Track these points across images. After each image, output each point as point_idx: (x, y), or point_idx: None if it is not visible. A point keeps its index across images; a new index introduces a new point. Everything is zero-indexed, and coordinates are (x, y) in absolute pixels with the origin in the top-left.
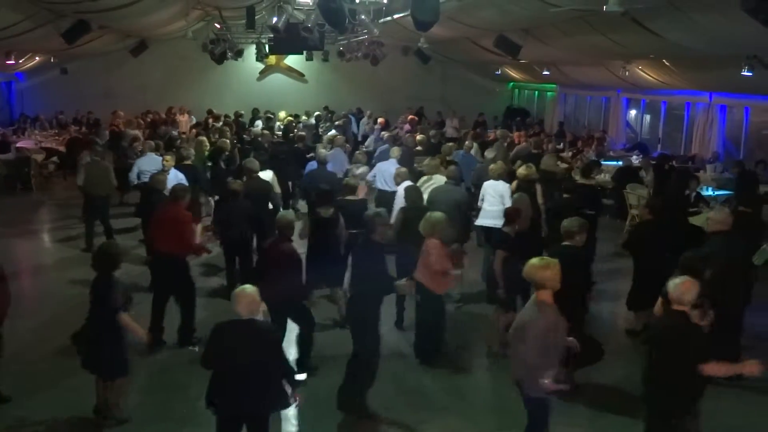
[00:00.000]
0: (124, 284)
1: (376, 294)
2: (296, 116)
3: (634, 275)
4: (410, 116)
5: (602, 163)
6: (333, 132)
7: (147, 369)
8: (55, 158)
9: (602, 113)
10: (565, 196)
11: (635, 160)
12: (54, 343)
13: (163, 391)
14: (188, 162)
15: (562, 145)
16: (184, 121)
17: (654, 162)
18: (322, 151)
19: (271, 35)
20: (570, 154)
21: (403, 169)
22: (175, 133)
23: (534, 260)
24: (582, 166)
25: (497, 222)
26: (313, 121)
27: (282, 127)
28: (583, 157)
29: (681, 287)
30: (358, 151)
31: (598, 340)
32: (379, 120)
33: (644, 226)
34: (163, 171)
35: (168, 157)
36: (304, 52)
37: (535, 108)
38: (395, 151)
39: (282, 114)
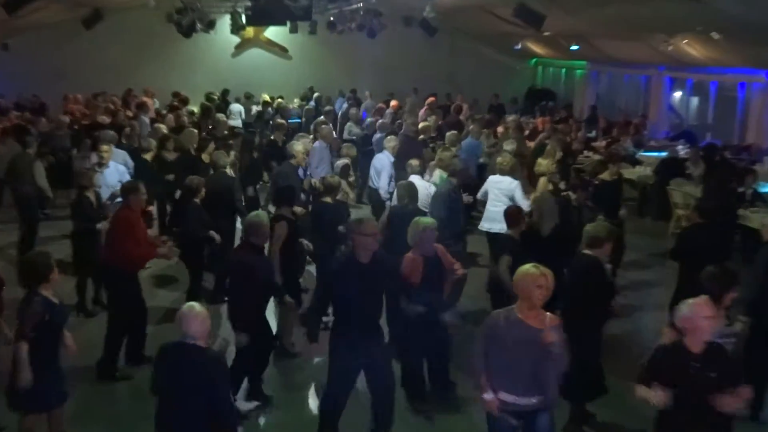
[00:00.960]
0: (45, 303)
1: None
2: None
3: (678, 287)
4: (431, 98)
5: (642, 154)
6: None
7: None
8: None
9: (641, 95)
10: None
11: (681, 150)
12: None
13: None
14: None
15: (594, 132)
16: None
17: (702, 153)
18: (296, 144)
19: (249, 3)
20: (603, 143)
21: (416, 162)
22: (146, 119)
23: (528, 267)
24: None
25: (502, 225)
26: (312, 104)
27: (271, 111)
28: (620, 147)
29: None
30: (345, 144)
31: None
32: (392, 103)
33: (694, 231)
34: (101, 164)
35: (105, 147)
36: (288, 24)
37: (562, 89)
38: (390, 141)
39: (265, 96)
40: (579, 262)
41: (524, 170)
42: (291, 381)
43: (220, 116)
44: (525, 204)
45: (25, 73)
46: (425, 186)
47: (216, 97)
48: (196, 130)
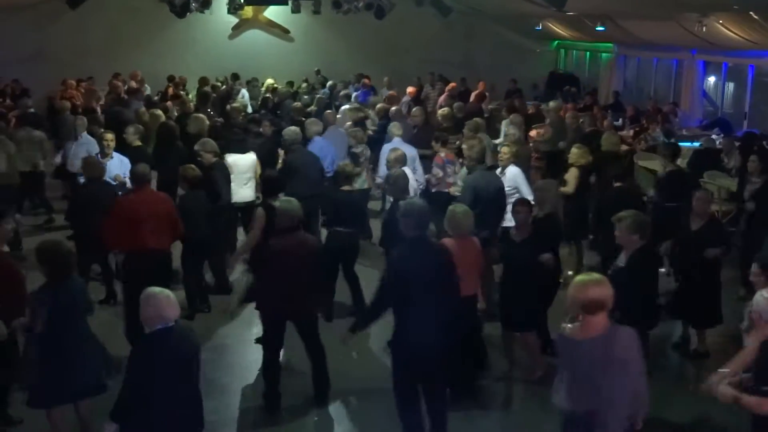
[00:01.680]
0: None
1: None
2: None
3: (707, 286)
4: (452, 84)
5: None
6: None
7: None
8: None
9: (672, 81)
10: (617, 185)
11: (715, 140)
12: None
13: None
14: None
15: (620, 120)
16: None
17: (739, 143)
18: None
19: None
20: (631, 132)
21: (400, 151)
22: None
23: (582, 277)
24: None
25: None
26: (326, 92)
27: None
28: (648, 136)
29: None
30: (356, 128)
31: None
32: (409, 90)
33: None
34: (105, 154)
35: (109, 136)
36: (290, 2)
37: (587, 74)
38: (395, 128)
39: (269, 81)
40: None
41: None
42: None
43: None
44: (529, 193)
45: (5, 56)
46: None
47: (221, 83)
48: (204, 116)
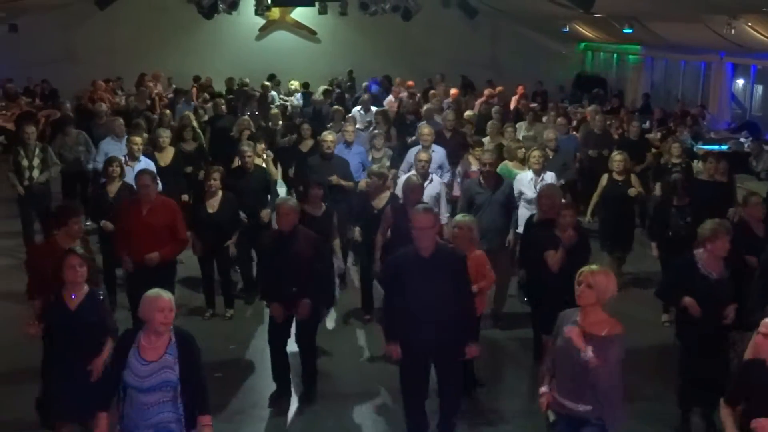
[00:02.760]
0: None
1: None
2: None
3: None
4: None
5: (700, 147)
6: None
7: None
8: (1, 138)
9: (700, 83)
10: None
11: (744, 143)
12: None
13: None
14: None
15: (648, 123)
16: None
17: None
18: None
19: None
20: (658, 135)
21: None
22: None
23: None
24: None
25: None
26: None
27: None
28: (676, 138)
29: None
30: (375, 131)
31: None
32: (452, 92)
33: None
34: (133, 158)
35: (137, 139)
36: (317, 3)
37: (614, 76)
38: (425, 130)
39: (294, 83)
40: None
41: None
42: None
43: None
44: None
45: (35, 56)
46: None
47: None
48: (248, 119)
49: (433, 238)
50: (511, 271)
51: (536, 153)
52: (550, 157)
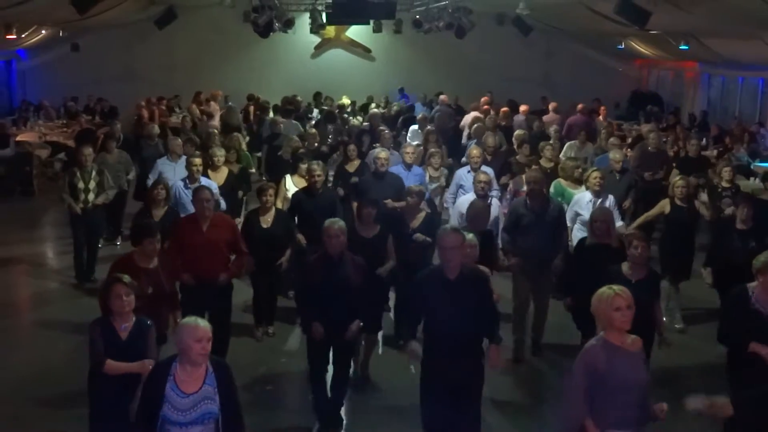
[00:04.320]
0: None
1: None
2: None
3: None
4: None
5: (757, 164)
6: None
7: None
8: (62, 155)
9: (758, 100)
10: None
11: None
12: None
13: None
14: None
15: (704, 140)
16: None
17: None
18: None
19: (329, 1)
20: (715, 152)
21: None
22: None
23: (603, 289)
24: None
25: None
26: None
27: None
28: (732, 156)
29: None
30: (433, 150)
31: None
32: (522, 108)
33: None
34: (193, 179)
35: (197, 161)
36: (371, 22)
37: (670, 93)
38: (474, 152)
39: (345, 100)
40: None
41: None
42: None
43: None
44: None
45: (96, 75)
46: None
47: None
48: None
49: (459, 257)
50: (549, 297)
51: (596, 174)
52: (617, 178)
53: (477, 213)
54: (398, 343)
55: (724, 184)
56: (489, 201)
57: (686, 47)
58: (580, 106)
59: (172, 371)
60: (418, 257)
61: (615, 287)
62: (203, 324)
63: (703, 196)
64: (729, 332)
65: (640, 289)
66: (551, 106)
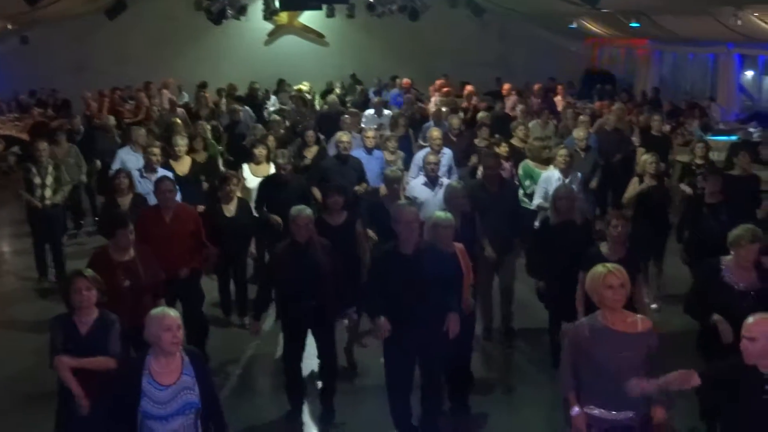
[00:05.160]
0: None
1: None
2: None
3: None
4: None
5: (710, 138)
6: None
7: None
8: (15, 149)
9: (709, 75)
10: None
11: (753, 133)
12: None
13: None
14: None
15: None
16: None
17: None
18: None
19: None
20: (668, 127)
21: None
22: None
23: (597, 267)
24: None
25: None
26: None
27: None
28: (685, 131)
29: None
30: (388, 134)
31: None
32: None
33: None
34: (151, 168)
35: (156, 150)
36: (324, 7)
37: (622, 71)
38: (434, 133)
39: (304, 86)
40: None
41: None
42: None
43: (274, 116)
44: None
45: (46, 68)
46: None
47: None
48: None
49: (415, 232)
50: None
51: (563, 152)
52: (582, 157)
53: (452, 194)
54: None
55: (698, 161)
56: (440, 183)
57: (637, 25)
58: (536, 86)
59: (147, 365)
60: None
61: (609, 265)
62: (172, 313)
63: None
64: (696, 303)
65: None
66: (505, 87)
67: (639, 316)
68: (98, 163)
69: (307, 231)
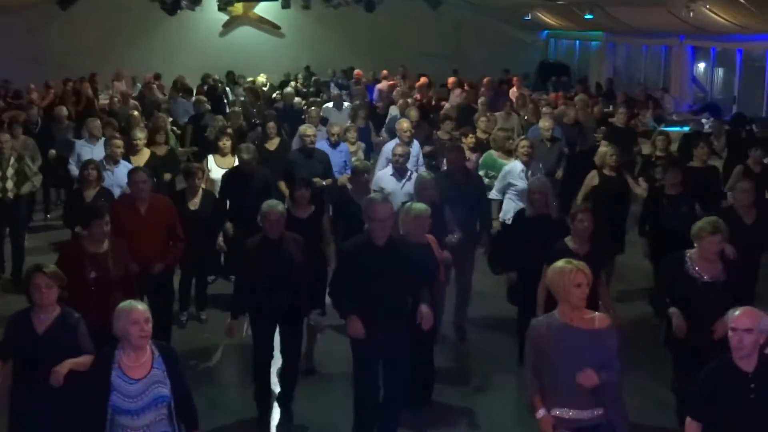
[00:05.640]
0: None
1: None
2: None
3: None
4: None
5: (662, 129)
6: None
7: None
8: None
9: (662, 67)
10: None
11: (705, 124)
12: None
13: None
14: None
15: (611, 108)
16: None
17: (728, 126)
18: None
19: None
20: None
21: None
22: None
23: (560, 263)
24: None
25: None
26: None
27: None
28: (639, 122)
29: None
30: (349, 125)
31: None
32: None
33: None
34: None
35: (119, 142)
36: None
37: (577, 62)
38: (403, 124)
39: (261, 78)
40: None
41: None
42: None
43: (234, 108)
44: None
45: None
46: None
47: (217, 80)
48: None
49: (389, 229)
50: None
51: (524, 143)
52: (548, 147)
53: (422, 185)
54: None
55: (659, 153)
56: (409, 175)
57: (591, 16)
58: (486, 79)
59: (117, 359)
60: None
61: (575, 262)
62: (140, 306)
63: (642, 183)
64: (660, 297)
65: (587, 263)
66: (450, 80)
67: (597, 313)
68: (53, 153)
69: (279, 227)
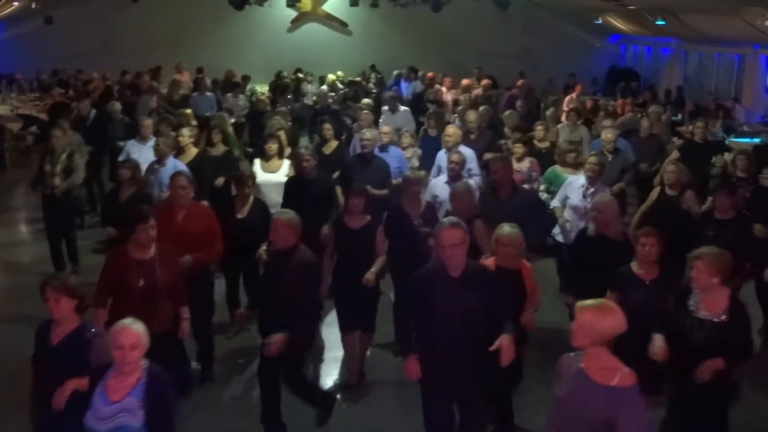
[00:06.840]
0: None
1: None
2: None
3: None
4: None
5: (731, 140)
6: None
7: None
8: (34, 128)
9: (734, 76)
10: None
11: None
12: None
13: None
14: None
15: (680, 116)
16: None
17: None
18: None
19: None
20: (690, 128)
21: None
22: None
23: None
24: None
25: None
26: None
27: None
28: (708, 132)
29: None
30: (404, 129)
31: None
32: (485, 81)
33: None
34: (159, 161)
35: (167, 141)
36: None
37: (647, 69)
38: (449, 130)
39: (331, 76)
40: None
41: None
42: None
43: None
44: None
45: (70, 49)
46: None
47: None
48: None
49: (463, 255)
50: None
51: (593, 159)
52: (609, 160)
53: (455, 196)
54: (396, 350)
55: (740, 174)
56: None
57: (663, 22)
58: (520, 82)
59: (106, 376)
60: (427, 252)
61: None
62: (132, 329)
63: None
64: None
65: (655, 289)
66: (519, 83)
67: (624, 370)
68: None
69: (284, 238)
